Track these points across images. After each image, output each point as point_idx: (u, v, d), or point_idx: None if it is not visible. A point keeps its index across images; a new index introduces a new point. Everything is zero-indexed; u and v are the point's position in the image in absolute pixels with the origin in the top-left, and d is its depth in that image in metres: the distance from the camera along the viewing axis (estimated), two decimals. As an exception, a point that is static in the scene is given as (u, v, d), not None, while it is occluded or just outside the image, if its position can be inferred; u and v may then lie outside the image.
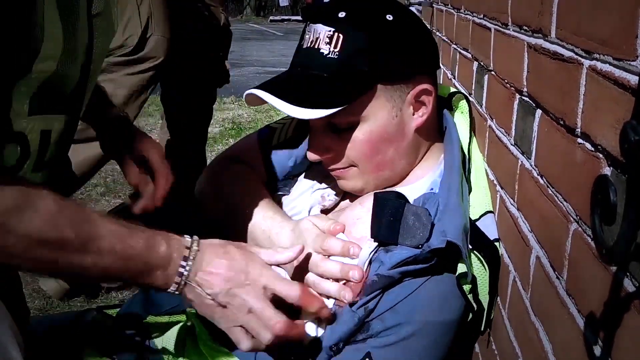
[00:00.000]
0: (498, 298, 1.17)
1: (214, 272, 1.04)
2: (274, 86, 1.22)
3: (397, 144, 1.25)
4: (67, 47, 0.94)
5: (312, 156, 1.28)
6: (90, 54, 1.04)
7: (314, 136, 1.27)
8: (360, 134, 1.22)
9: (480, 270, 1.16)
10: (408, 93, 1.21)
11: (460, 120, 1.33)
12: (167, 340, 1.47)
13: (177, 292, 1.04)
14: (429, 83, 1.23)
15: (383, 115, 1.21)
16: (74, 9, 0.97)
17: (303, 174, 1.46)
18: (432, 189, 1.24)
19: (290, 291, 1.08)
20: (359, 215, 1.24)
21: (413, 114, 1.24)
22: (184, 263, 1.02)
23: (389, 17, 1.19)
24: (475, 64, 1.46)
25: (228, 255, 1.07)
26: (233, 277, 1.05)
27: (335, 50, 1.17)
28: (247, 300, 1.04)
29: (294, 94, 1.18)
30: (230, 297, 1.04)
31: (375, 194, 1.18)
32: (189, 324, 1.49)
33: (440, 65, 2.08)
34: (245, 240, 1.36)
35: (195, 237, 1.06)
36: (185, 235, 1.06)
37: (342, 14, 1.18)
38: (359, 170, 1.26)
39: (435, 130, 1.32)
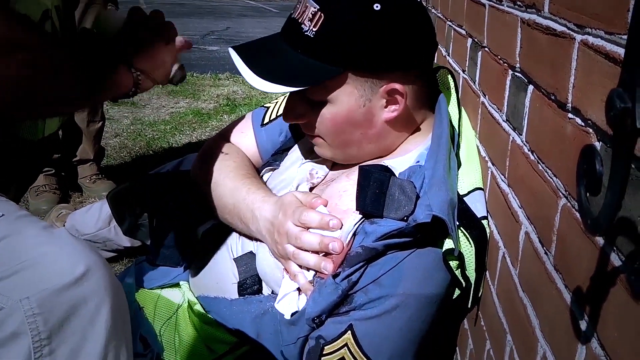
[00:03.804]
0: (487, 274, 1.17)
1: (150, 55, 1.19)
2: (250, 51, 1.23)
3: (364, 130, 1.24)
4: None
5: (285, 118, 1.30)
6: None
7: (290, 101, 1.28)
8: (326, 112, 1.22)
9: (466, 246, 1.16)
10: (381, 87, 1.19)
11: (447, 95, 1.33)
12: (159, 312, 1.48)
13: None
14: (409, 81, 1.21)
15: (350, 101, 1.20)
16: None
17: (292, 148, 1.47)
18: (418, 161, 1.24)
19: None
20: (345, 188, 1.24)
21: (385, 107, 1.22)
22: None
23: (377, 7, 1.14)
24: (470, 40, 1.45)
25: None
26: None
27: (314, 29, 1.15)
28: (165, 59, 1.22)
29: (263, 65, 1.19)
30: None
31: (360, 166, 1.18)
32: (181, 296, 1.50)
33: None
34: (231, 217, 1.37)
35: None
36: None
37: None
38: (326, 142, 1.28)
39: (411, 123, 1.30)
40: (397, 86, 1.19)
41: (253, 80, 1.18)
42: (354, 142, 1.26)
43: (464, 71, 1.51)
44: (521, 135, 0.97)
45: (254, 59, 1.21)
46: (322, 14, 1.14)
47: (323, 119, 1.23)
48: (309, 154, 1.40)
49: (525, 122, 0.95)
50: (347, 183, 1.25)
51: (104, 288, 0.97)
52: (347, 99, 1.20)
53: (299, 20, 1.18)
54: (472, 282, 1.18)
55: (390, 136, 1.27)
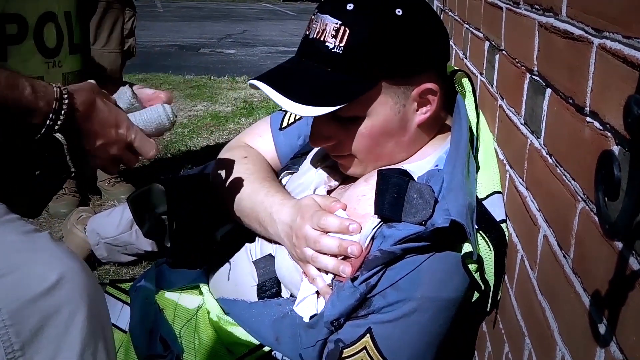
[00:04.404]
0: (506, 277, 1.17)
1: (89, 129, 1.05)
2: (276, 78, 1.20)
3: (398, 138, 1.24)
4: None
5: (313, 143, 1.29)
6: None
7: (316, 124, 1.27)
8: (362, 127, 1.21)
9: (485, 250, 1.16)
10: (413, 90, 1.20)
11: (465, 98, 1.33)
12: (179, 314, 1.49)
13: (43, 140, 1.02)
14: (435, 80, 1.22)
15: (385, 110, 1.20)
16: None
17: (310, 152, 1.47)
18: (437, 165, 1.24)
19: (147, 146, 1.12)
20: (364, 192, 1.24)
21: (417, 110, 1.23)
22: (52, 116, 0.99)
23: (399, 12, 1.16)
24: (487, 43, 1.45)
25: (98, 110, 1.07)
26: (105, 134, 1.07)
27: (341, 44, 1.14)
28: (114, 154, 1.10)
29: (296, 89, 1.17)
30: (100, 152, 1.08)
31: (379, 170, 1.19)
32: (201, 298, 1.51)
33: (452, 45, 2.07)
34: (249, 219, 1.38)
35: (62, 87, 1.02)
36: (51, 83, 1.02)
37: (350, 6, 1.15)
38: (358, 159, 1.27)
39: (439, 124, 1.31)
40: (431, 85, 1.20)
41: (290, 106, 1.16)
42: (386, 154, 1.26)
43: (481, 74, 1.51)
44: (539, 138, 0.97)
45: (283, 85, 1.18)
46: (346, 28, 1.14)
47: (358, 136, 1.22)
48: (328, 158, 1.41)
49: (543, 125, 0.95)
50: (365, 187, 1.25)
51: (79, 295, 0.94)
52: (382, 109, 1.20)
53: (321, 39, 1.16)
54: (492, 285, 1.18)
55: (420, 141, 1.28)
